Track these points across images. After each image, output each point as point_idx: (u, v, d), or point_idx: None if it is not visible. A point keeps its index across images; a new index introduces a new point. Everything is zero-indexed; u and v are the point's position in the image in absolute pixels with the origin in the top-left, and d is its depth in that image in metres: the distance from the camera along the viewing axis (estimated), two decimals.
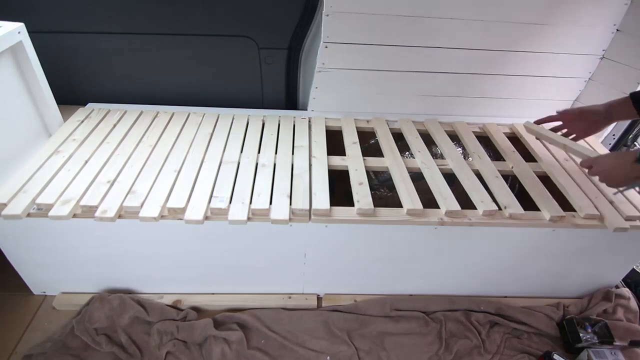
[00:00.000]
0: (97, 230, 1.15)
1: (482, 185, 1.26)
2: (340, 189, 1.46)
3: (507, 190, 1.25)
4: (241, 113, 1.56)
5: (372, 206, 1.14)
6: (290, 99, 1.72)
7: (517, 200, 1.21)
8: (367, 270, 1.33)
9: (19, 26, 1.19)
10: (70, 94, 1.58)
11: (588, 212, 1.19)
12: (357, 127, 1.53)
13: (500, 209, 1.19)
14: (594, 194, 1.27)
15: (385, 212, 1.16)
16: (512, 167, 1.38)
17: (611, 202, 1.24)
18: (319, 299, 1.39)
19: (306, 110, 1.67)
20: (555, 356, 1.19)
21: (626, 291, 1.42)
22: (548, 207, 1.20)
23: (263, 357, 1.19)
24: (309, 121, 1.55)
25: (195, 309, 1.33)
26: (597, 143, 1.57)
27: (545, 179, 1.35)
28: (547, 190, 1.27)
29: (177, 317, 1.27)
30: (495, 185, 1.27)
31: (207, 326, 1.23)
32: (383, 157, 1.39)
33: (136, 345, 1.21)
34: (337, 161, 1.35)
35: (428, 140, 1.50)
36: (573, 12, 1.44)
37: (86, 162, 1.25)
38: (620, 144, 1.61)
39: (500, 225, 1.17)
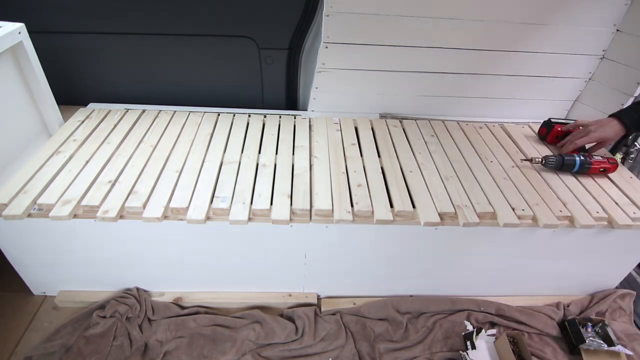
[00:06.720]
0: (97, 230, 1.14)
1: (479, 187, 1.27)
2: None
3: (514, 191, 1.25)
4: (241, 113, 1.56)
5: (370, 208, 1.15)
6: (291, 99, 1.72)
7: (525, 201, 1.21)
8: (368, 271, 1.33)
9: (19, 26, 1.19)
10: (70, 94, 1.58)
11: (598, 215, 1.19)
12: (355, 128, 1.53)
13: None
14: (597, 192, 1.28)
15: (383, 213, 1.15)
16: (513, 167, 1.38)
17: (616, 203, 1.24)
18: (319, 298, 1.39)
19: (306, 110, 1.68)
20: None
21: (626, 292, 1.42)
22: (551, 207, 1.20)
23: None
24: (310, 121, 1.55)
25: (197, 307, 1.33)
26: None
27: (546, 180, 1.35)
28: (551, 191, 1.27)
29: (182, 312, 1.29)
30: (502, 186, 1.27)
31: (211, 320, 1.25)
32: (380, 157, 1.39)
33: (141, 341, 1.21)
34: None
35: (428, 140, 1.49)
36: (573, 12, 1.45)
37: (87, 162, 1.25)
38: (620, 144, 1.61)
39: (499, 226, 1.17)
